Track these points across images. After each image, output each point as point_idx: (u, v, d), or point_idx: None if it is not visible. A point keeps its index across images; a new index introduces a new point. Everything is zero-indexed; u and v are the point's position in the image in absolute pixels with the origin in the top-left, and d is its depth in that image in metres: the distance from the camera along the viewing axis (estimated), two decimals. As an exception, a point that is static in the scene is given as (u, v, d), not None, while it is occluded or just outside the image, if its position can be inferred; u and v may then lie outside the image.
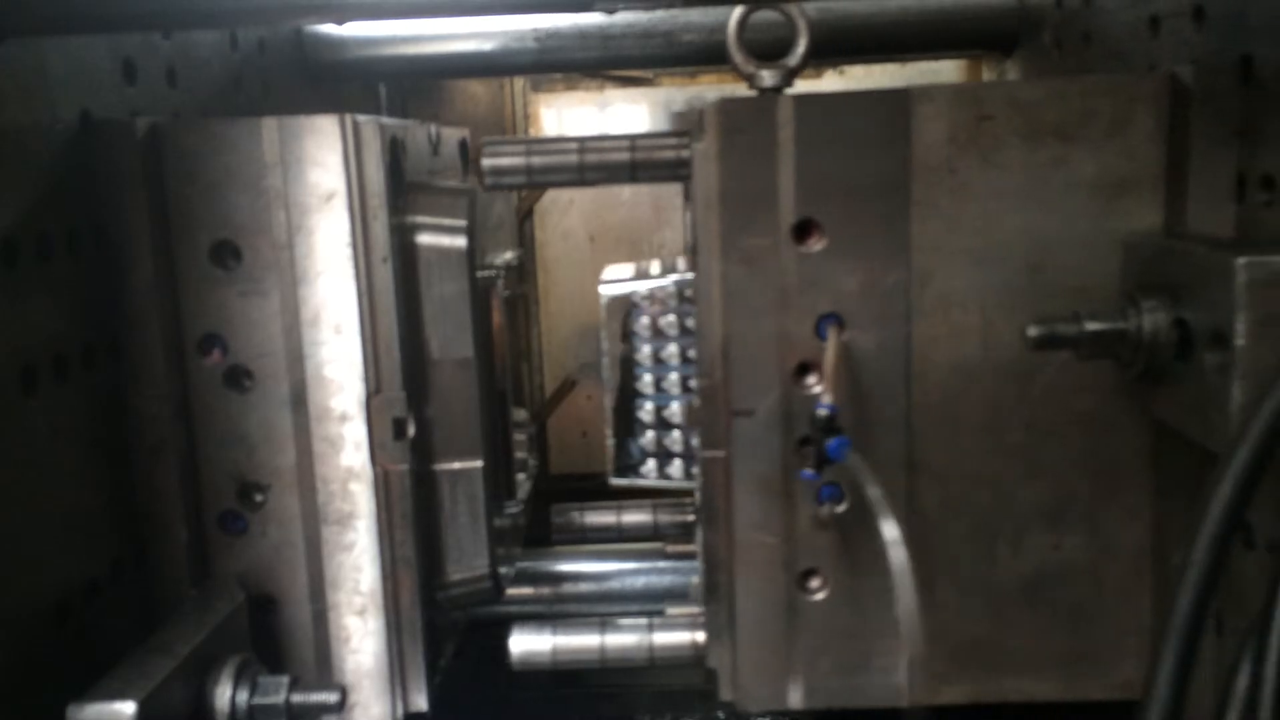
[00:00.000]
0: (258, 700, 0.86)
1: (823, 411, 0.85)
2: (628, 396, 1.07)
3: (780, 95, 0.91)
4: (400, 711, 0.98)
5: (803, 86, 0.95)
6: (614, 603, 1.30)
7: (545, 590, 1.31)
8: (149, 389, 0.91)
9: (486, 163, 0.95)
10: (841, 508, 0.93)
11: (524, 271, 1.88)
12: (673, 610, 1.01)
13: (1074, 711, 0.96)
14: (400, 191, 0.96)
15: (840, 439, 0.85)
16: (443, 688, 1.01)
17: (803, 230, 0.91)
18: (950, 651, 0.95)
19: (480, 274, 1.05)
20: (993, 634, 0.95)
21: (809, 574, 0.96)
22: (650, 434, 1.07)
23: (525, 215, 1.94)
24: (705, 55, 1.47)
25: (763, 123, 0.90)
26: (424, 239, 0.97)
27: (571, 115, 2.01)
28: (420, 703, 0.99)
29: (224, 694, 0.85)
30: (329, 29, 1.43)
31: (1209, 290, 0.73)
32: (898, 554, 0.81)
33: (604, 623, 1.02)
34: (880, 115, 0.90)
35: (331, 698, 0.87)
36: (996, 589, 0.95)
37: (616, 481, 1.10)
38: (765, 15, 0.96)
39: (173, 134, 0.91)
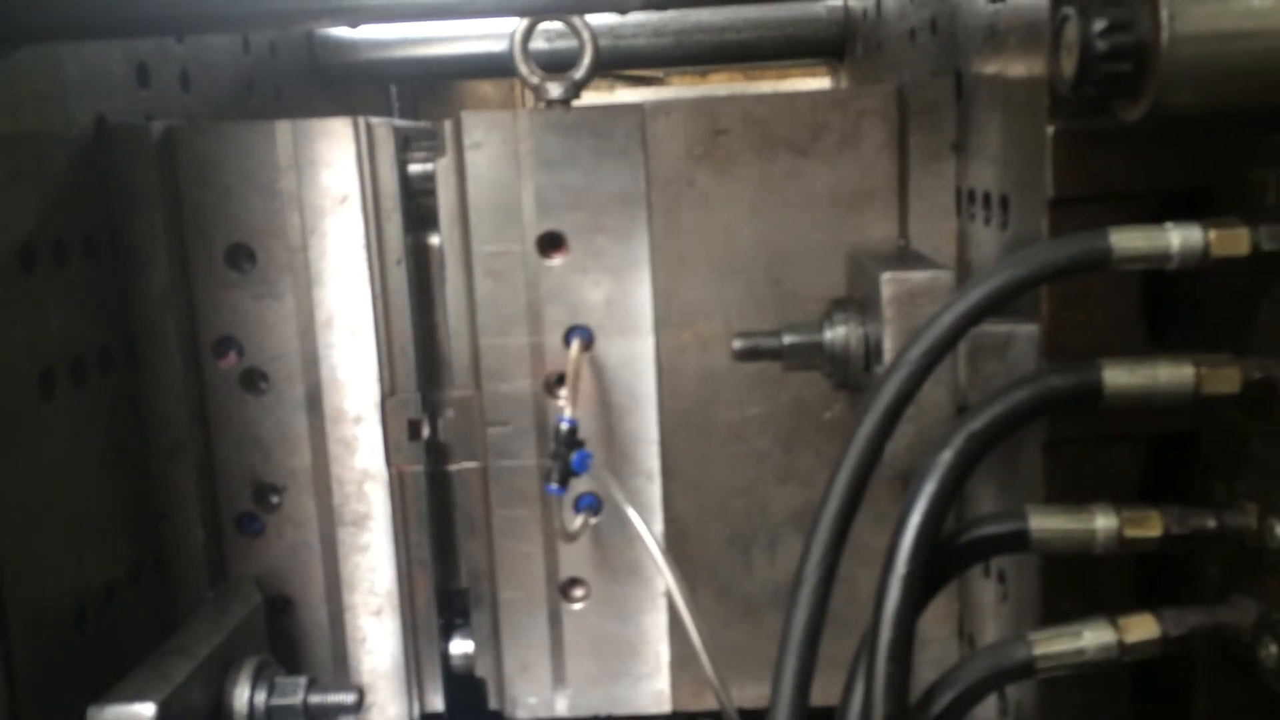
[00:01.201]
0: (275, 701, 0.86)
1: (563, 425, 0.86)
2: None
3: (516, 111, 0.91)
4: (417, 712, 0.99)
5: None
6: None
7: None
8: (165, 391, 0.92)
9: None
10: (596, 519, 0.93)
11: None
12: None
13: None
14: (412, 193, 0.96)
15: (583, 453, 0.86)
16: (458, 688, 1.01)
17: (547, 243, 0.92)
18: (712, 658, 0.94)
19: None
20: (751, 640, 0.95)
21: (573, 583, 0.96)
22: None
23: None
24: (715, 54, 1.48)
25: (501, 138, 0.90)
26: (437, 239, 0.98)
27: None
28: (436, 703, 0.99)
29: (242, 695, 0.85)
30: (340, 32, 1.44)
31: (874, 304, 0.73)
32: (660, 558, 0.83)
33: None
34: (618, 130, 0.90)
35: (349, 698, 0.88)
36: (753, 596, 0.95)
37: None
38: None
39: (187, 137, 0.91)
